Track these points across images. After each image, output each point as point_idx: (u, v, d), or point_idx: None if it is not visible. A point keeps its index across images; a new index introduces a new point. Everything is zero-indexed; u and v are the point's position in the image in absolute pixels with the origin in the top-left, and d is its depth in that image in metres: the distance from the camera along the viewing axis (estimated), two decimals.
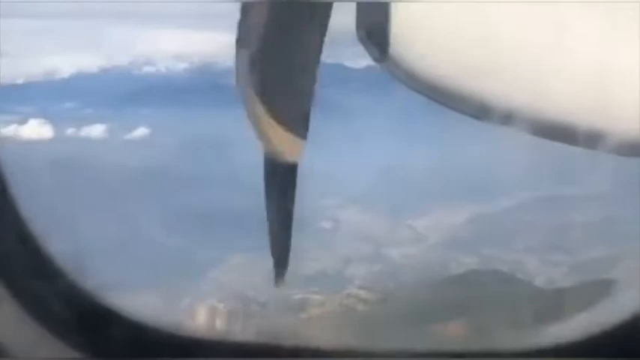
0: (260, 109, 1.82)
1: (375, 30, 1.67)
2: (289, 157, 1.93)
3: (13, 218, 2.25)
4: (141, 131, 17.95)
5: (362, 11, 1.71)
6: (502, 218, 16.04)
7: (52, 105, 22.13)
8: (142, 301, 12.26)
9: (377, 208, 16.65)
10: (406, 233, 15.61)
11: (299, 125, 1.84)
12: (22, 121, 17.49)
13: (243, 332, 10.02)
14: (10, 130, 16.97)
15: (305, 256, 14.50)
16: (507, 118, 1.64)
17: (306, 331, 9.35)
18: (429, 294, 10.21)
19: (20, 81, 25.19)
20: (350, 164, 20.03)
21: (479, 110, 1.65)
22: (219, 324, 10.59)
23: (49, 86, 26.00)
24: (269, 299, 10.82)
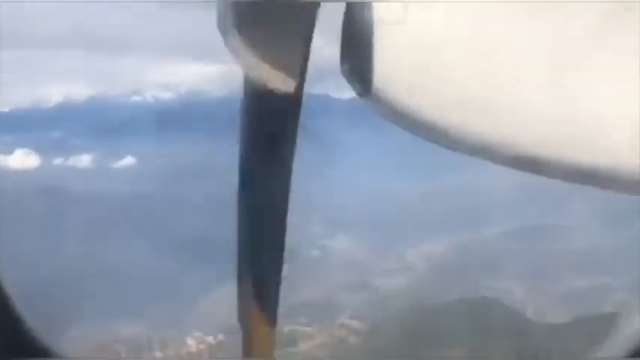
0: (245, 48, 1.76)
1: (358, 65, 1.70)
2: (282, 86, 1.77)
3: None
4: (128, 160, 17.89)
5: (346, 45, 1.74)
6: (489, 247, 16.09)
7: (39, 134, 22.03)
8: (129, 332, 12.13)
9: (365, 237, 16.65)
10: (395, 262, 15.61)
11: (293, 65, 1.76)
12: (9, 151, 17.40)
13: None
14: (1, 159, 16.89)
15: (293, 285, 14.46)
16: (486, 151, 1.68)
17: None
18: (421, 323, 10.14)
19: (6, 109, 25.10)
20: (338, 193, 20.06)
21: (459, 145, 1.69)
22: (208, 356, 10.46)
23: (37, 115, 25.89)
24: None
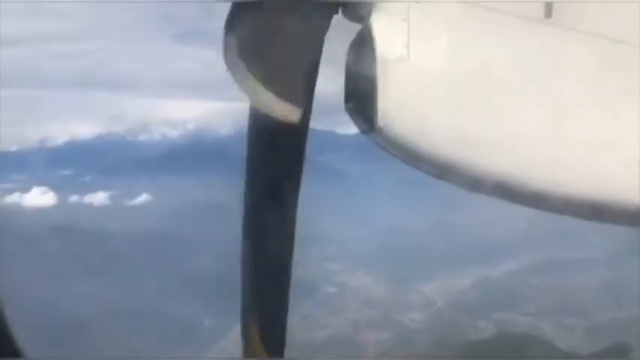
0: (249, 78, 1.75)
1: (362, 102, 1.72)
2: (287, 115, 1.75)
3: None
4: (143, 198, 17.83)
5: (350, 84, 1.76)
6: (509, 281, 15.98)
7: (48, 172, 22.03)
8: None
9: (382, 273, 16.52)
10: (414, 298, 15.43)
11: (297, 93, 1.75)
12: (25, 189, 17.34)
13: None
14: (13, 197, 16.82)
15: (314, 321, 14.25)
16: (486, 188, 1.67)
17: None
18: (457, 357, 9.93)
19: (14, 148, 25.13)
20: (352, 229, 20.00)
21: (459, 181, 1.70)
22: None
23: (44, 154, 25.98)
24: None
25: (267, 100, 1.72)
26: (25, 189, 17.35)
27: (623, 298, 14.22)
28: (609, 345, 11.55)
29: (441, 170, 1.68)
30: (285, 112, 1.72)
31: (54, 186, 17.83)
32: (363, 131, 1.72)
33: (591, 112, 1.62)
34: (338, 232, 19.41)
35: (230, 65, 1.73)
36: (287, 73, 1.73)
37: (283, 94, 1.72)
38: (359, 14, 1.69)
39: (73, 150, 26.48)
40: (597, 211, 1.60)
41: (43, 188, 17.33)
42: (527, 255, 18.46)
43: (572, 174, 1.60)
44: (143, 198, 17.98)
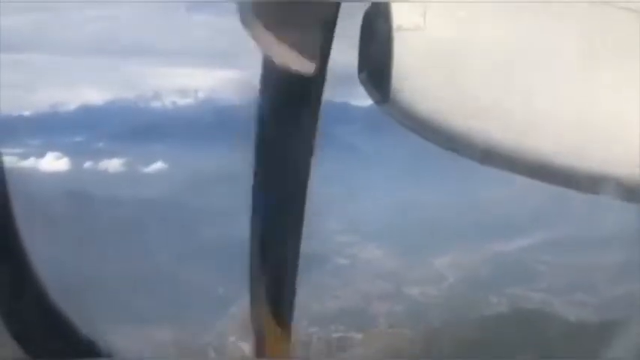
0: (267, 38, 1.73)
1: (376, 73, 1.68)
2: (303, 67, 1.74)
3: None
4: (158, 165, 17.91)
5: (364, 54, 1.72)
6: (521, 257, 15.99)
7: (61, 138, 22.08)
8: (160, 337, 12.03)
9: (394, 246, 16.56)
10: (426, 272, 15.47)
11: (315, 51, 1.74)
12: (40, 154, 17.40)
13: None
14: (29, 162, 16.88)
15: (324, 292, 14.36)
16: (505, 161, 1.65)
17: None
18: (472, 333, 9.97)
19: (27, 113, 25.17)
20: (364, 202, 20.02)
21: (475, 154, 1.67)
22: None
23: (56, 119, 26.00)
24: (303, 338, 10.61)
25: (283, 53, 1.71)
26: (40, 154, 17.45)
27: (635, 276, 14.24)
28: (621, 320, 11.61)
29: (456, 143, 1.66)
30: (301, 63, 1.71)
31: (68, 152, 17.92)
32: (376, 102, 1.70)
33: (616, 84, 1.59)
34: (350, 205, 19.43)
35: (246, 24, 1.72)
36: (304, 28, 1.72)
37: (299, 47, 1.71)
38: None
39: (84, 116, 26.49)
40: (621, 189, 1.59)
41: (57, 154, 17.42)
42: (541, 232, 18.45)
43: (595, 150, 1.58)
44: (158, 165, 18.05)
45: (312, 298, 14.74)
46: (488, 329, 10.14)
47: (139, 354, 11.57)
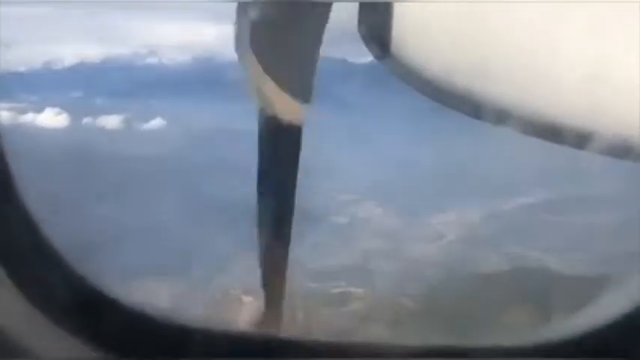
0: (259, 71, 1.78)
1: (376, 27, 1.66)
2: (290, 117, 1.83)
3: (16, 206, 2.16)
4: (157, 122, 17.85)
5: (364, 8, 1.69)
6: (520, 216, 16.10)
7: (57, 94, 21.94)
8: (165, 291, 12.19)
9: (392, 205, 16.65)
10: (424, 230, 15.60)
11: (302, 89, 1.79)
12: (38, 110, 17.31)
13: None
14: (27, 118, 16.82)
15: (323, 250, 14.51)
16: (505, 118, 1.65)
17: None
18: (472, 291, 10.18)
19: (22, 69, 24.90)
20: (362, 160, 20.04)
21: (480, 113, 1.66)
22: (247, 317, 10.54)
23: (52, 76, 25.74)
24: (306, 293, 10.78)
25: (272, 95, 1.73)
26: (38, 110, 17.34)
27: (633, 236, 14.34)
28: (620, 279, 11.79)
29: (459, 100, 1.66)
30: (289, 108, 1.73)
31: (66, 108, 17.83)
32: (376, 57, 1.68)
33: (627, 45, 1.59)
34: (348, 163, 19.39)
35: (239, 54, 1.74)
36: (292, 69, 1.73)
37: (289, 90, 1.72)
38: None
39: (80, 72, 26.17)
40: (621, 149, 1.60)
41: (56, 110, 17.32)
42: (539, 190, 18.52)
43: (603, 105, 1.59)
44: (157, 122, 17.98)
45: (312, 256, 14.91)
46: (487, 286, 10.34)
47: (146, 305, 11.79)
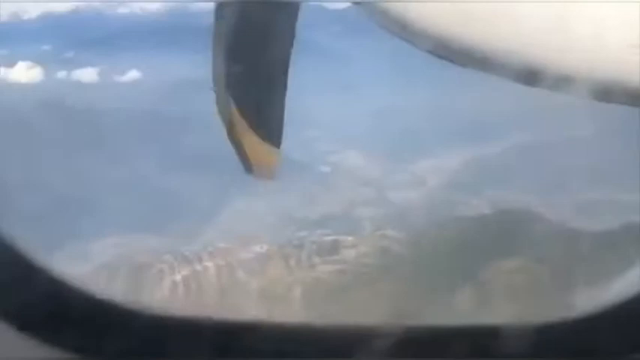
0: (237, 117, 1.84)
1: None
2: (265, 173, 1.93)
3: None
4: (132, 74, 17.49)
5: None
6: (499, 160, 16.27)
7: (27, 47, 21.34)
8: (148, 246, 12.20)
9: (375, 153, 16.70)
10: (406, 177, 15.72)
11: (273, 134, 1.86)
12: (10, 64, 16.85)
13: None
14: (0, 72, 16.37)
15: (308, 199, 14.58)
16: (485, 63, 1.65)
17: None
18: (458, 236, 10.35)
19: None
20: (343, 110, 19.94)
21: (457, 56, 1.65)
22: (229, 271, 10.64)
23: (19, 28, 24.97)
24: (296, 241, 10.89)
25: (249, 151, 1.73)
26: (10, 64, 16.87)
27: (611, 176, 14.66)
28: (597, 220, 12.07)
29: (435, 44, 1.63)
30: (265, 156, 1.74)
31: (38, 61, 17.36)
32: (354, 3, 1.65)
33: None
34: (328, 112, 19.30)
35: (217, 94, 1.74)
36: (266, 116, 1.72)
37: (263, 134, 1.72)
38: None
39: (49, 25, 25.37)
40: (597, 91, 1.61)
41: (29, 63, 16.87)
42: (517, 134, 18.69)
43: (574, 52, 1.58)
44: (132, 74, 17.62)
45: (297, 206, 15.00)
46: (472, 229, 10.54)
47: (133, 261, 11.84)
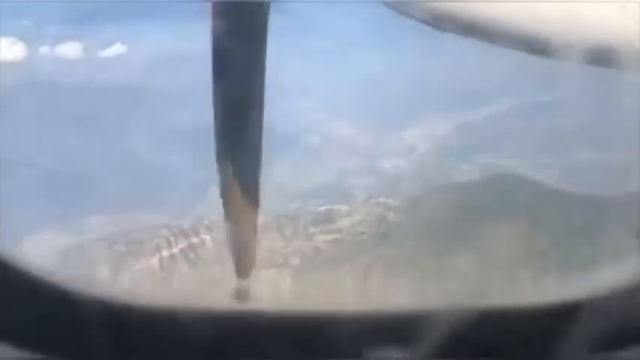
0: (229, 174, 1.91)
1: None
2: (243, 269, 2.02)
3: None
4: (117, 48, 17.27)
5: None
6: (488, 126, 16.38)
7: (6, 23, 20.97)
8: (147, 221, 12.23)
9: (362, 121, 16.73)
10: (396, 144, 15.80)
11: (254, 195, 1.94)
12: None
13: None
14: None
15: (300, 170, 14.63)
16: (479, 31, 1.67)
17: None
18: (453, 201, 10.44)
19: None
20: (329, 79, 19.88)
21: (450, 25, 1.67)
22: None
23: None
24: (297, 213, 10.95)
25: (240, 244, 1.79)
26: None
27: (597, 139, 14.84)
28: (586, 182, 12.25)
29: (426, 13, 1.64)
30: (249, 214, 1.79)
31: (21, 37, 17.09)
32: None
33: None
34: (314, 82, 19.23)
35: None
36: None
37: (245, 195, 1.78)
38: None
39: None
40: (584, 54, 1.63)
41: (11, 39, 16.61)
42: (505, 99, 18.79)
43: (561, 16, 1.60)
44: (116, 48, 17.40)
45: (289, 176, 15.04)
46: (465, 194, 10.65)
47: (128, 239, 11.88)
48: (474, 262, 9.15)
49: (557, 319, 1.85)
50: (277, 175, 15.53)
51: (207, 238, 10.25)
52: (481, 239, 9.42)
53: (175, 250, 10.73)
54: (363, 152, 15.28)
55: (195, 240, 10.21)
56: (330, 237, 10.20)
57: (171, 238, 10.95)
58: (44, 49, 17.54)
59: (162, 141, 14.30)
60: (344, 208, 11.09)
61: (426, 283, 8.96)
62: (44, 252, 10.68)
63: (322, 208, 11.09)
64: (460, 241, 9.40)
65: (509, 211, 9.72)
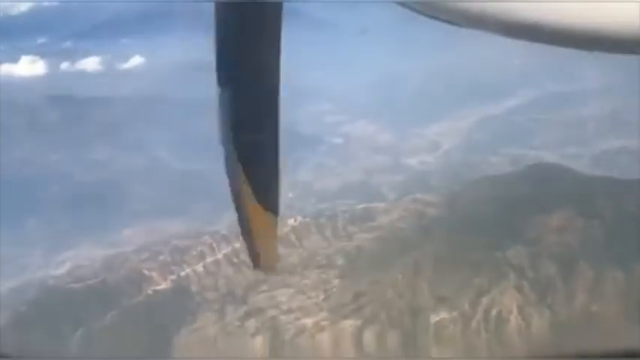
0: (243, 180, 1.87)
1: None
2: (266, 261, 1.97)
3: None
4: (135, 60, 17.36)
5: None
6: (511, 118, 16.27)
7: (24, 41, 21.13)
8: (173, 229, 12.22)
9: (385, 120, 16.67)
10: (420, 141, 15.73)
11: (272, 199, 1.90)
12: (13, 59, 16.65)
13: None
14: (3, 69, 16.18)
15: (325, 171, 14.59)
16: (485, 21, 1.62)
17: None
18: (491, 194, 10.29)
19: None
20: (348, 80, 19.83)
21: (456, 17, 1.63)
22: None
23: (10, 23, 24.72)
24: (333, 213, 10.92)
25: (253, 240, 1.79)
26: (13, 59, 16.70)
27: (623, 126, 14.73)
28: (612, 171, 12.14)
29: (432, 7, 1.61)
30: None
31: (39, 54, 17.21)
32: None
33: None
34: (333, 84, 19.28)
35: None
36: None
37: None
38: None
39: (38, 16, 25.14)
40: (597, 41, 1.59)
41: (30, 57, 16.73)
42: (526, 91, 18.72)
43: (583, 4, 1.57)
44: (135, 60, 17.50)
45: (314, 178, 14.98)
46: (504, 186, 10.50)
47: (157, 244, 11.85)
48: (529, 254, 9.05)
49: None
50: (302, 177, 15.51)
51: None
52: (532, 231, 9.30)
53: (219, 255, 10.72)
54: (387, 151, 15.25)
55: (237, 245, 10.19)
56: (371, 235, 10.12)
57: (214, 245, 10.95)
58: (64, 65, 17.62)
59: (185, 149, 14.34)
60: (381, 205, 11.01)
61: (481, 277, 8.87)
62: (88, 264, 10.73)
63: (359, 207, 11.02)
64: (510, 234, 9.30)
65: (555, 202, 9.60)
